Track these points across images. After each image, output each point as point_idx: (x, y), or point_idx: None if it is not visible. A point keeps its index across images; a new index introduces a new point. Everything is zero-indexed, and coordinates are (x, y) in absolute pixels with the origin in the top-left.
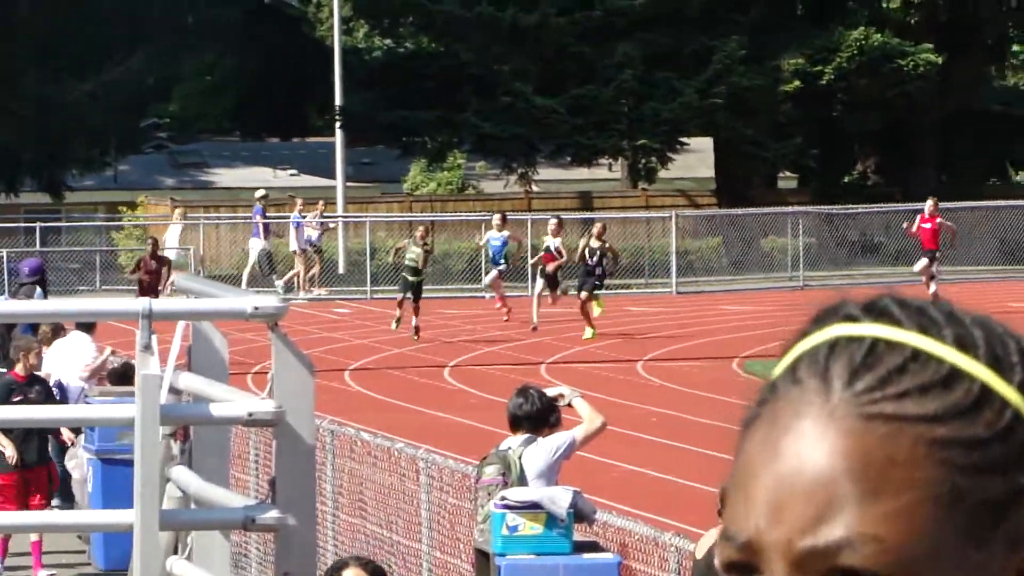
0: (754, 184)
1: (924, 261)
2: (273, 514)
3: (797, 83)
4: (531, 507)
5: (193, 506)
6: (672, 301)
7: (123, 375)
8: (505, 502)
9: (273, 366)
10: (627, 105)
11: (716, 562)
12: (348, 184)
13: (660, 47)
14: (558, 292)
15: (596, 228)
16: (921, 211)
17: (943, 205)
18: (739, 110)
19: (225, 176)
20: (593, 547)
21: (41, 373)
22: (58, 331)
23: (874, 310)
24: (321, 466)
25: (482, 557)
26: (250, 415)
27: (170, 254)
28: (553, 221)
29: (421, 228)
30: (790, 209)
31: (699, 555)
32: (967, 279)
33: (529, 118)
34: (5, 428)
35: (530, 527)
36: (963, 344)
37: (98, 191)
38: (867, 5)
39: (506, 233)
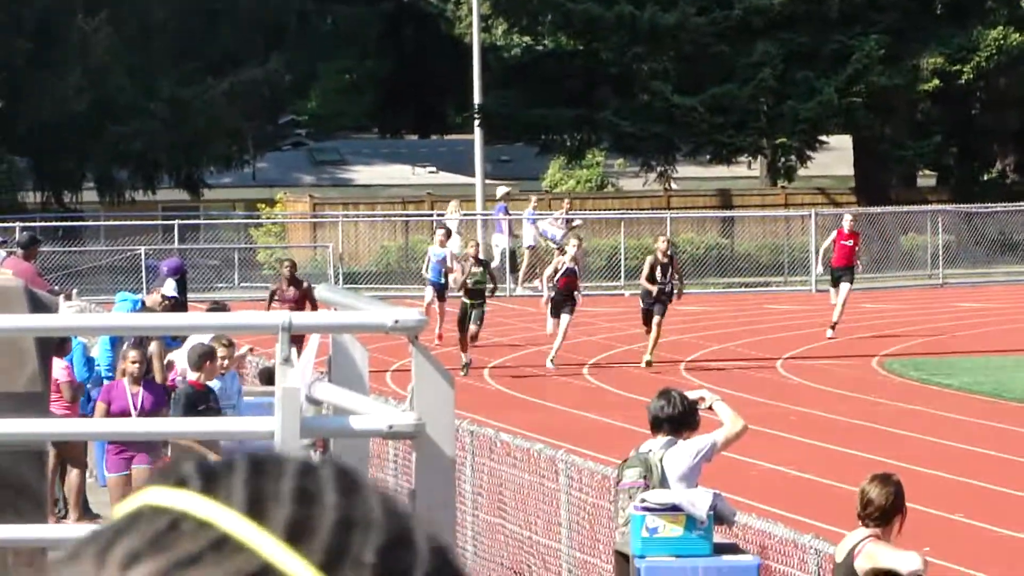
0: (893, 182)
1: (845, 286)
2: None
3: (936, 82)
4: (671, 509)
5: None
6: (811, 299)
7: (272, 375)
8: (645, 504)
9: (413, 379)
10: (766, 104)
11: None
12: (487, 181)
13: (799, 46)
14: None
15: (662, 244)
16: (840, 226)
17: None
18: (878, 109)
19: (363, 173)
20: (733, 549)
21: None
22: None
23: (211, 476)
24: (461, 466)
25: (622, 559)
26: (390, 428)
27: (453, 247)
28: (572, 235)
29: (472, 244)
30: (929, 208)
31: (839, 558)
32: None
33: (668, 117)
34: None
35: (670, 529)
36: (294, 532)
37: (236, 188)
38: (1006, 4)
39: (448, 251)
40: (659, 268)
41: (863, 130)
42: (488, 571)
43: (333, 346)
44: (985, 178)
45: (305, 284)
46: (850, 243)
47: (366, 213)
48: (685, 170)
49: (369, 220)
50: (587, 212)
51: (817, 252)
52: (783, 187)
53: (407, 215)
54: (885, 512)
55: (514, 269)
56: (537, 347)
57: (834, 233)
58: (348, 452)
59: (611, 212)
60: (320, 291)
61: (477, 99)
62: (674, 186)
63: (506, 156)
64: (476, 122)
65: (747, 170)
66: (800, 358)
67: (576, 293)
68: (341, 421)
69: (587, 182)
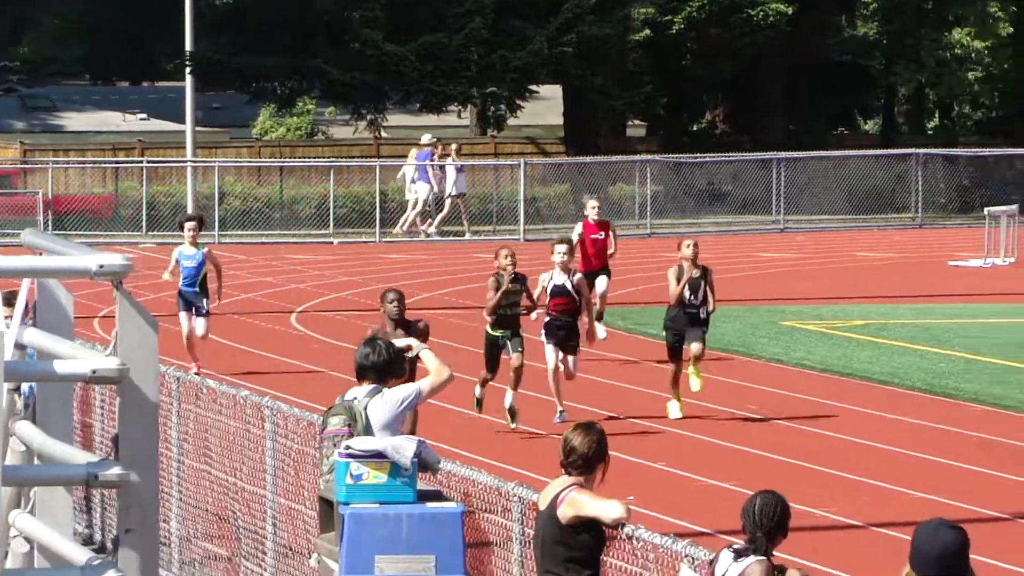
0: (603, 132)
1: (603, 280)
2: (116, 471)
3: (647, 32)
4: (375, 456)
5: (36, 461)
6: (519, 248)
7: None
8: (349, 451)
9: (117, 324)
10: (477, 53)
11: None
12: (197, 129)
13: None
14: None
15: (689, 248)
16: (585, 217)
17: (791, 154)
18: (589, 58)
19: (74, 120)
20: (437, 496)
21: None
22: None
23: None
24: (167, 413)
25: (326, 505)
26: (94, 372)
27: (422, 192)
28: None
29: (505, 252)
30: (638, 157)
31: (542, 506)
32: (814, 228)
33: (379, 65)
34: None
35: (374, 476)
36: None
37: None
38: None
39: (201, 251)
40: (688, 285)
41: (574, 80)
42: (193, 517)
43: (39, 291)
44: (695, 128)
45: (421, 324)
46: (601, 235)
47: (76, 160)
48: (395, 119)
49: (79, 166)
50: (297, 160)
51: (525, 201)
52: (493, 136)
53: (117, 162)
54: (588, 460)
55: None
56: (250, 293)
57: (579, 227)
58: (53, 399)
59: (321, 160)
60: (27, 236)
61: (189, 46)
62: (384, 134)
63: (217, 103)
64: (187, 69)
65: (457, 119)
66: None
67: (580, 321)
68: (45, 366)
69: (297, 130)
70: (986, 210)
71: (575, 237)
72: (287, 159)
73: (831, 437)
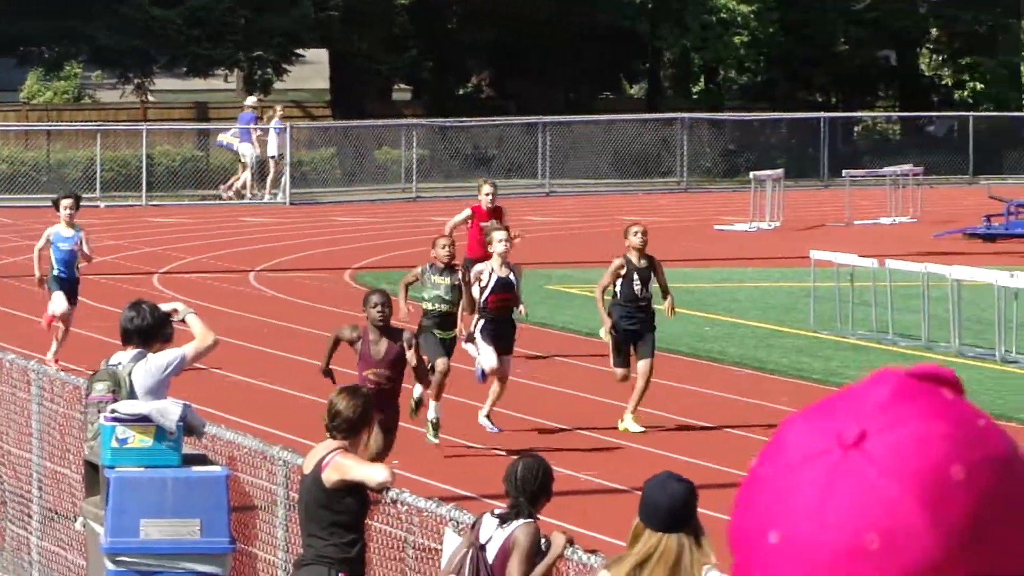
0: (369, 96)
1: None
2: None
3: None
4: (141, 420)
5: None
6: (285, 212)
7: None
8: (115, 415)
9: None
10: (244, 17)
11: None
12: None
13: None
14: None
15: (638, 236)
16: (477, 201)
17: (557, 119)
18: (355, 22)
19: None
20: (202, 460)
21: None
22: None
23: None
24: None
25: (92, 469)
26: None
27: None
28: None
29: (443, 241)
30: (404, 121)
31: (307, 470)
32: (580, 193)
33: (146, 29)
34: None
35: (140, 440)
36: None
37: None
38: None
39: (78, 233)
40: (636, 275)
41: (339, 44)
42: None
43: None
44: (461, 93)
45: (407, 335)
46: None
47: None
48: (163, 83)
49: None
50: (64, 124)
51: (291, 164)
52: (259, 100)
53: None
54: (353, 424)
55: (263, 178)
56: (16, 257)
57: (467, 211)
58: None
59: (88, 124)
60: None
61: None
62: (151, 98)
63: None
64: None
65: (224, 83)
66: (273, 270)
67: (517, 313)
68: None
69: (64, 94)
70: (751, 174)
71: (458, 219)
72: (54, 123)
73: (589, 400)
